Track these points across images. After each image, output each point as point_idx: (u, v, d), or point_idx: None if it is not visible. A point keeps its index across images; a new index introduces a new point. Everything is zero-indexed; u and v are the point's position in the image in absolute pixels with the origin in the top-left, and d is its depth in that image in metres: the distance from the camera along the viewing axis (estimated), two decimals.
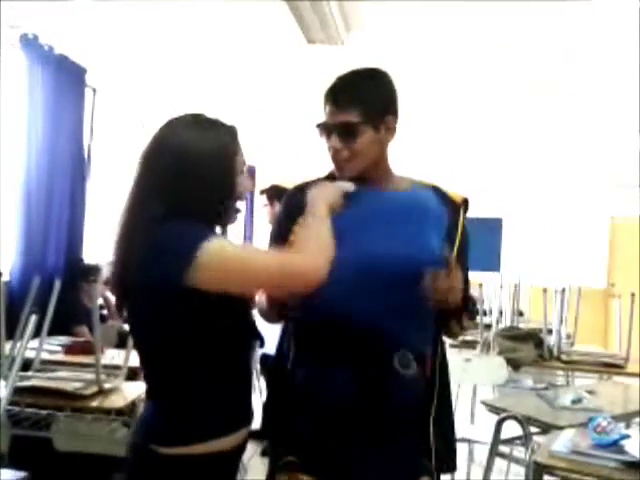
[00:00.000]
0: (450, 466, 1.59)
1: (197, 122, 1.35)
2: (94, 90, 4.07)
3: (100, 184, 4.28)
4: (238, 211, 1.40)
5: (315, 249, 1.28)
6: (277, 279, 1.26)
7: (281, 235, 1.52)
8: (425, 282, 1.36)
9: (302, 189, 1.61)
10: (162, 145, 1.31)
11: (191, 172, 1.27)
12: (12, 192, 3.42)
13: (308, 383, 1.39)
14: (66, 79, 3.72)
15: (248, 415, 1.39)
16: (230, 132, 1.37)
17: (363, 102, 1.49)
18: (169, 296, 1.23)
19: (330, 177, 1.67)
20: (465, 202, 1.62)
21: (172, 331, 1.27)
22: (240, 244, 1.35)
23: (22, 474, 2.07)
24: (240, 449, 1.37)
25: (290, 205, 1.60)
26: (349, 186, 1.48)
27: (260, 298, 1.64)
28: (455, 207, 1.60)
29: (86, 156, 4.08)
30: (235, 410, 1.34)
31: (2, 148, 3.31)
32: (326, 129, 1.52)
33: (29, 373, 2.63)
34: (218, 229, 1.39)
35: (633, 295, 3.84)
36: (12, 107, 3.40)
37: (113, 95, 4.39)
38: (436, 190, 1.61)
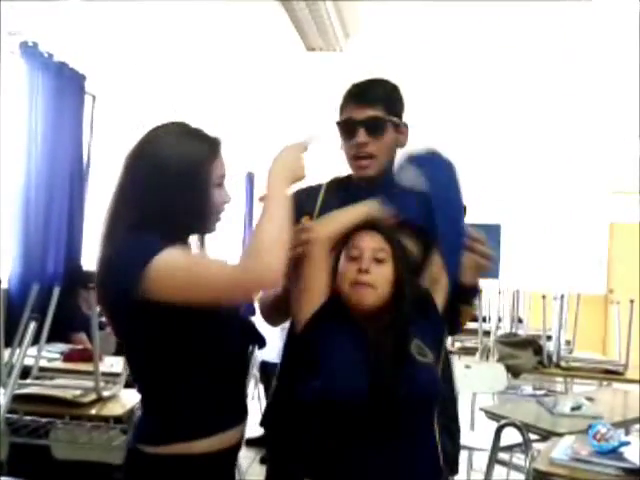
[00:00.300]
0: (454, 469, 1.59)
1: (176, 131, 1.35)
2: (93, 97, 4.08)
3: (99, 191, 4.28)
4: (216, 221, 1.38)
5: (269, 245, 1.22)
6: (229, 289, 1.23)
7: None
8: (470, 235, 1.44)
9: (306, 192, 1.65)
10: (139, 152, 1.33)
11: (162, 181, 1.27)
12: (11, 199, 3.42)
13: (323, 384, 1.34)
14: (66, 86, 3.72)
15: (238, 417, 1.38)
16: (210, 143, 1.35)
17: (387, 100, 1.56)
18: (133, 305, 1.23)
19: (334, 182, 1.69)
20: (464, 209, 1.64)
21: (148, 337, 1.27)
22: (196, 254, 1.30)
23: None
24: (229, 451, 1.34)
25: (294, 208, 1.63)
26: (313, 138, 1.41)
27: (262, 300, 1.65)
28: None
29: (85, 163, 4.08)
30: (221, 412, 1.33)
31: (2, 155, 3.31)
32: (351, 125, 1.55)
33: (28, 381, 2.62)
34: (195, 238, 1.39)
35: (632, 302, 3.85)
36: (12, 114, 3.40)
37: (113, 102, 4.39)
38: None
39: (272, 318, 1.67)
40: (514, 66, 4.19)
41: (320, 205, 1.63)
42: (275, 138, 6.68)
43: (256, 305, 1.85)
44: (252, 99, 5.20)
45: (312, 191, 1.68)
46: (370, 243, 1.41)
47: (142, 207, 1.27)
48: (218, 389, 1.31)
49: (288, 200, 1.31)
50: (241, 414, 1.39)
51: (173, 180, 1.27)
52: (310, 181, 1.65)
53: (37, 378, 2.70)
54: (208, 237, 1.43)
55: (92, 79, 3.96)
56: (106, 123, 4.34)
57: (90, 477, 2.46)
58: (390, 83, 1.63)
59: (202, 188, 1.31)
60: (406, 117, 1.68)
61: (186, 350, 1.28)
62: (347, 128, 1.56)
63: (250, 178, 7.57)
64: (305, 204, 1.60)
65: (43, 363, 2.85)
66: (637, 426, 3.21)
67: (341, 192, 1.63)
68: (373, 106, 1.54)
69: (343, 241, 1.45)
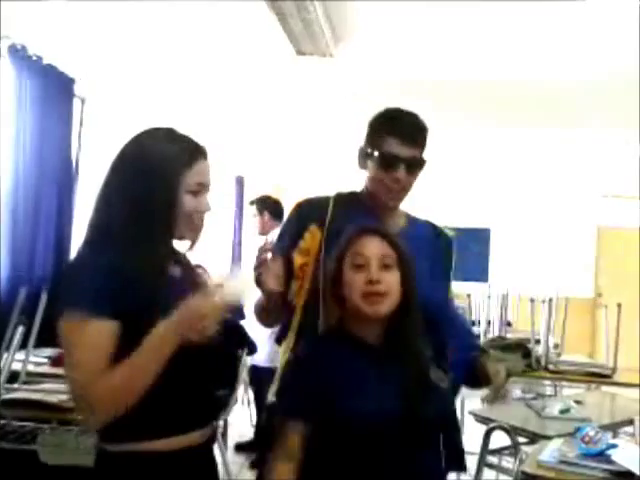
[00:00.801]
0: (461, 466, 1.62)
1: (159, 135, 1.36)
2: (82, 100, 4.06)
3: (88, 194, 4.27)
4: (189, 229, 1.36)
5: (118, 398, 1.22)
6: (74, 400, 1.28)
7: (284, 245, 1.65)
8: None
9: (312, 203, 1.73)
10: (121, 154, 1.35)
11: (136, 182, 1.29)
12: None
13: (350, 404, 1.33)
14: (54, 89, 3.71)
15: (202, 420, 1.36)
16: (191, 149, 1.34)
17: (424, 142, 1.65)
18: None
19: (342, 198, 1.73)
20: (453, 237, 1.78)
21: None
22: (107, 337, 1.23)
23: None
24: (187, 452, 1.32)
25: (298, 218, 1.72)
26: (241, 292, 1.26)
27: (256, 303, 1.67)
28: (448, 241, 1.76)
29: (74, 166, 4.06)
30: (182, 414, 1.31)
31: None
32: (394, 161, 1.60)
33: (15, 385, 2.60)
34: (183, 243, 1.39)
35: (620, 305, 3.86)
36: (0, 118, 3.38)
37: (102, 105, 4.37)
38: (430, 226, 1.77)
39: (265, 321, 1.70)
40: (506, 67, 4.22)
41: (330, 220, 1.66)
42: (265, 142, 6.71)
43: (247, 310, 1.86)
44: (242, 103, 5.20)
45: (319, 203, 1.73)
46: (375, 249, 1.37)
47: (115, 206, 1.29)
48: (178, 392, 1.30)
49: (166, 356, 1.23)
50: (207, 416, 1.38)
51: (145, 182, 1.28)
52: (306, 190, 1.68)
53: (25, 383, 2.68)
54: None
55: (81, 82, 3.95)
56: (95, 126, 4.32)
57: None
58: (420, 118, 1.68)
59: (170, 192, 1.30)
60: None
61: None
62: (388, 162, 1.62)
63: (240, 182, 7.57)
64: (312, 214, 1.67)
65: (31, 368, 2.83)
66: (625, 429, 3.23)
67: (351, 211, 1.66)
68: (415, 146, 1.62)
69: (343, 246, 1.42)
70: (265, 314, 1.69)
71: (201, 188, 1.35)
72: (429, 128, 1.67)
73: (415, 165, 1.63)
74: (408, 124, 1.64)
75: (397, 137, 1.60)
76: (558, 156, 6.93)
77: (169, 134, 1.37)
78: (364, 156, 1.69)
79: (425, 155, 1.66)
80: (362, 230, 1.42)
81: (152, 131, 1.38)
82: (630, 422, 3.03)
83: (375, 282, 1.34)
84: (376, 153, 1.63)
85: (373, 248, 1.38)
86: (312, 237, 1.65)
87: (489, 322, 4.68)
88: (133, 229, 1.27)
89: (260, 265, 1.51)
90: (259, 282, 1.53)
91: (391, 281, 1.36)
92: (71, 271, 1.31)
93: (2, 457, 2.30)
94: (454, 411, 1.53)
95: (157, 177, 1.29)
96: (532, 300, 3.96)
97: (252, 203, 4.34)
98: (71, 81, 3.89)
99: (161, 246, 1.34)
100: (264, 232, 4.25)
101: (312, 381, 1.36)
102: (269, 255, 1.53)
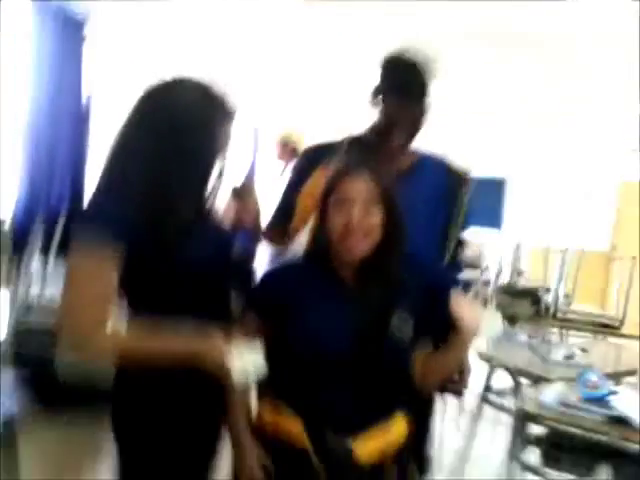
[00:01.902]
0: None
1: (194, 90, 1.32)
2: (93, 39, 4.02)
3: (102, 132, 4.27)
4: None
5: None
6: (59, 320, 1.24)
7: (289, 189, 1.72)
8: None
9: (318, 148, 1.75)
10: (154, 102, 1.31)
11: (169, 139, 1.27)
12: (16, 138, 3.43)
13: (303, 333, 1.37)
14: (69, 29, 3.69)
15: None
16: (229, 111, 1.34)
17: (427, 96, 1.65)
18: None
19: (356, 142, 1.72)
20: (468, 177, 1.76)
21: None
22: (108, 269, 1.22)
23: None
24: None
25: (304, 163, 1.75)
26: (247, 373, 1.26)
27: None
28: (459, 181, 1.73)
29: (87, 102, 4.06)
30: None
31: (5, 96, 3.30)
32: (391, 126, 1.62)
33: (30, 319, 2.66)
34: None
35: (634, 258, 3.85)
36: (17, 56, 3.39)
37: (113, 45, 4.31)
38: (441, 165, 1.75)
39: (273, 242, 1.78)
40: (527, 14, 4.07)
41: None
42: (276, 92, 6.54)
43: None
44: (253, 50, 5.08)
45: (326, 147, 1.72)
46: (359, 191, 1.34)
47: (145, 168, 1.26)
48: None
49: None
50: None
51: (178, 138, 1.26)
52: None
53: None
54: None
55: (93, 23, 3.89)
56: (107, 64, 4.27)
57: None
58: (429, 67, 1.65)
59: (211, 160, 1.31)
60: None
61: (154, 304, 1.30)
62: (386, 127, 1.62)
63: (254, 133, 7.45)
64: (319, 158, 1.65)
65: (47, 295, 2.90)
66: (628, 379, 3.27)
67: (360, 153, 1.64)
68: (419, 103, 1.63)
69: (329, 184, 1.39)
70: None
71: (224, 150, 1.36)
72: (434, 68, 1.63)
73: (415, 129, 1.65)
74: (411, 82, 1.62)
75: (401, 95, 1.61)
76: (581, 105, 6.74)
77: (207, 91, 1.33)
78: (375, 97, 1.67)
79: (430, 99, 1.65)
80: (349, 169, 1.38)
81: (185, 84, 1.33)
82: (633, 372, 3.06)
83: (355, 226, 1.33)
84: (380, 110, 1.64)
85: (357, 189, 1.35)
86: (317, 180, 1.64)
87: (501, 269, 4.69)
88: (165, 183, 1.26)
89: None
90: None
91: (372, 224, 1.34)
92: (88, 209, 1.28)
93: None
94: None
95: (200, 138, 1.29)
96: (546, 249, 3.96)
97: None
98: (82, 21, 3.84)
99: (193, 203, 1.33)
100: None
101: (272, 286, 1.42)
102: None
